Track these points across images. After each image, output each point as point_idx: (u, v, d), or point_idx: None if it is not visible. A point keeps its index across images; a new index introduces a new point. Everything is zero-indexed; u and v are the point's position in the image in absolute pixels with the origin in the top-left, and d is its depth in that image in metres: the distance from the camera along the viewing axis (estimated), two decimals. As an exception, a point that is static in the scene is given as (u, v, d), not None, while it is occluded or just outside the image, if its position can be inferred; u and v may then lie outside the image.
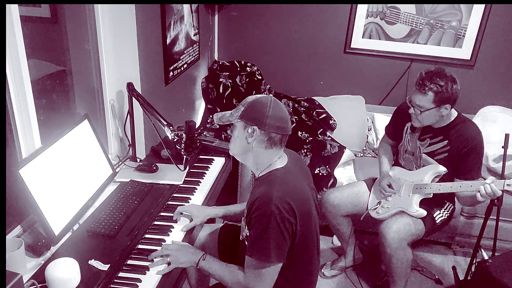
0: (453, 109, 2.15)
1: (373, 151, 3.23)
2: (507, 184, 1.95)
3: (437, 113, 2.09)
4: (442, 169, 2.18)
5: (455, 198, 2.31)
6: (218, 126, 3.09)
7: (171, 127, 2.00)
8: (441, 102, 2.04)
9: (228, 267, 1.58)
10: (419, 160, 2.30)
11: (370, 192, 2.47)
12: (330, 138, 3.04)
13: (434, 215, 2.29)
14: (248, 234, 1.50)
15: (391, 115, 2.52)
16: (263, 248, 1.43)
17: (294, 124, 3.07)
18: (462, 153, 2.14)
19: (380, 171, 2.48)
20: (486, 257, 2.33)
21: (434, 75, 2.03)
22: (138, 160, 2.25)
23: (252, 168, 1.60)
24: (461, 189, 2.09)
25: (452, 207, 2.38)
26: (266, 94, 3.21)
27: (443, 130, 2.19)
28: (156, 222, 1.78)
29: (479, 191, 1.99)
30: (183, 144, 1.96)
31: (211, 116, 3.19)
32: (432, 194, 2.22)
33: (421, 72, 2.09)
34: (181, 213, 1.82)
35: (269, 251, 1.43)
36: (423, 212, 2.21)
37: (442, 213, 2.31)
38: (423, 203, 2.26)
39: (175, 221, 1.80)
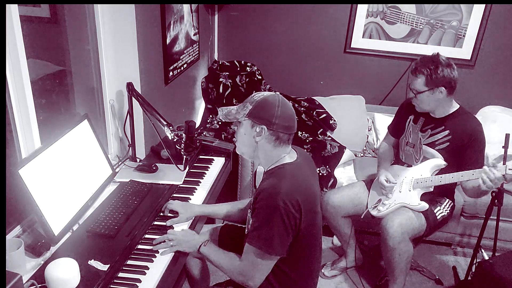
0: (454, 101, 2.21)
1: (373, 151, 3.23)
2: (509, 168, 1.94)
3: (432, 96, 2.14)
4: (442, 162, 2.19)
5: (462, 190, 2.32)
6: (218, 126, 3.09)
7: (171, 127, 2.00)
8: (433, 85, 2.10)
9: (227, 254, 1.60)
10: (419, 152, 2.31)
11: (370, 191, 2.47)
12: (330, 138, 3.04)
13: (435, 211, 2.30)
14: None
15: (394, 114, 2.56)
16: (265, 238, 1.44)
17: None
18: (463, 144, 2.16)
19: (379, 168, 2.49)
20: (486, 257, 2.33)
21: (428, 59, 2.12)
22: (138, 160, 2.25)
23: (261, 164, 1.61)
24: (463, 179, 2.09)
25: (452, 204, 2.39)
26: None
27: (444, 120, 2.22)
28: (155, 222, 1.78)
29: (481, 179, 1.98)
30: (183, 144, 1.96)
31: (211, 116, 3.19)
32: (433, 187, 2.22)
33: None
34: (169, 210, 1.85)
35: (270, 242, 1.44)
36: (425, 205, 2.21)
37: (442, 210, 2.32)
38: (423, 200, 2.26)
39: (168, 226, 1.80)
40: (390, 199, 2.31)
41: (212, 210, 1.91)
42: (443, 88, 2.11)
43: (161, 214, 1.85)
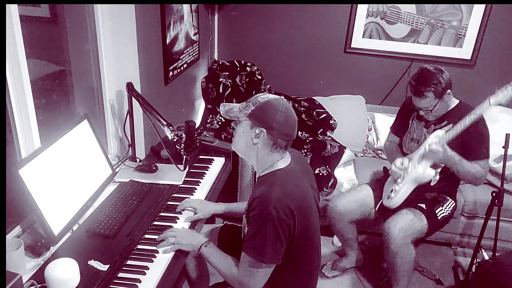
0: (454, 97, 2.27)
1: (373, 151, 3.23)
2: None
3: (444, 102, 2.20)
4: (440, 132, 2.16)
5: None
6: (218, 126, 3.09)
7: (171, 127, 2.00)
8: (442, 94, 2.15)
9: (226, 258, 1.60)
10: None
11: (377, 192, 2.46)
12: (330, 138, 3.04)
13: (436, 211, 2.29)
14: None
15: (395, 114, 2.57)
16: (258, 247, 1.44)
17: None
18: (466, 136, 2.15)
19: (393, 160, 2.43)
20: (486, 257, 2.33)
21: (423, 78, 2.15)
22: (138, 160, 2.25)
23: (254, 165, 1.60)
24: (465, 124, 2.05)
25: (454, 204, 2.39)
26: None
27: (446, 115, 2.26)
28: (155, 223, 1.78)
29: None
30: (183, 144, 1.96)
31: (211, 116, 3.19)
32: (440, 153, 2.11)
33: (410, 81, 2.21)
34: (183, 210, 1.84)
35: (263, 251, 1.44)
36: (431, 172, 2.16)
37: (444, 210, 2.32)
38: (425, 202, 2.27)
39: (176, 220, 1.80)
40: (399, 184, 2.27)
41: (227, 208, 1.91)
42: (449, 90, 2.16)
43: (167, 214, 1.84)
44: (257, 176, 1.60)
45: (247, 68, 3.34)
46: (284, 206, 1.41)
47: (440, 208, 2.31)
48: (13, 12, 1.51)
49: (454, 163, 2.14)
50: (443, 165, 2.26)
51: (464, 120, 2.05)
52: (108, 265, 1.48)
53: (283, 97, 1.57)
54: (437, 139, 2.13)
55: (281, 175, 1.51)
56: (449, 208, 2.35)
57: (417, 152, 2.29)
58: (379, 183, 2.50)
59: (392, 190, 2.34)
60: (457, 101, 2.28)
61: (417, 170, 2.19)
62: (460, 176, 2.21)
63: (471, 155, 2.17)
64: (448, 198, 2.37)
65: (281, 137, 1.49)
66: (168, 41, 2.43)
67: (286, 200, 1.43)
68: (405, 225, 2.20)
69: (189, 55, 2.85)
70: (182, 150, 1.97)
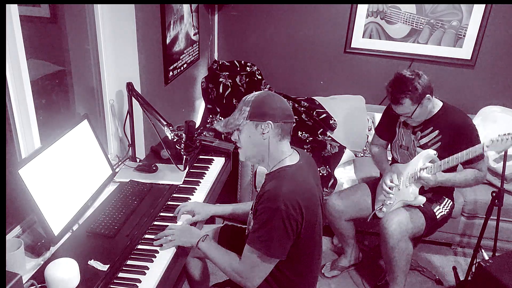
0: (437, 99, 2.24)
1: (373, 151, 3.23)
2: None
3: (423, 108, 2.16)
4: (432, 152, 2.17)
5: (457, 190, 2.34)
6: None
7: (171, 127, 2.00)
8: (420, 99, 2.12)
9: (225, 252, 1.60)
10: (414, 154, 2.32)
11: (375, 193, 2.47)
12: (330, 138, 3.04)
13: (434, 210, 2.30)
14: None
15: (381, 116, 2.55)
16: (265, 240, 1.44)
17: (294, 124, 3.07)
18: (454, 140, 2.16)
19: (382, 170, 2.47)
20: (486, 257, 2.33)
21: (399, 84, 2.11)
22: (138, 160, 2.25)
23: (266, 164, 1.59)
24: (458, 161, 2.07)
25: (452, 203, 2.39)
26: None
27: (431, 121, 2.24)
28: (155, 223, 1.78)
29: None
30: (183, 144, 1.96)
31: (211, 116, 3.19)
32: (432, 182, 2.14)
33: (386, 88, 2.17)
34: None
35: (270, 245, 1.44)
36: (422, 199, 2.21)
37: (442, 209, 2.32)
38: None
39: (176, 221, 1.80)
40: (392, 199, 2.31)
41: (227, 209, 1.90)
42: (428, 95, 2.13)
43: (167, 214, 1.84)
44: (266, 172, 1.60)
45: (247, 68, 3.34)
46: (293, 202, 1.42)
47: (438, 207, 2.32)
48: (13, 12, 1.51)
49: (448, 184, 2.18)
50: None
51: (458, 156, 2.04)
52: (108, 265, 1.48)
53: (266, 89, 1.58)
54: (428, 162, 2.15)
55: (290, 172, 1.52)
56: (447, 207, 2.35)
57: (406, 167, 2.29)
58: (376, 182, 2.51)
59: (384, 201, 2.36)
60: (440, 104, 2.24)
61: (408, 194, 2.22)
62: (461, 188, 2.23)
63: (466, 163, 2.14)
64: (445, 197, 2.37)
65: (285, 120, 1.51)
66: (168, 41, 2.43)
67: (296, 195, 1.43)
68: (403, 220, 2.20)
69: (189, 55, 2.85)
70: (182, 150, 1.97)
